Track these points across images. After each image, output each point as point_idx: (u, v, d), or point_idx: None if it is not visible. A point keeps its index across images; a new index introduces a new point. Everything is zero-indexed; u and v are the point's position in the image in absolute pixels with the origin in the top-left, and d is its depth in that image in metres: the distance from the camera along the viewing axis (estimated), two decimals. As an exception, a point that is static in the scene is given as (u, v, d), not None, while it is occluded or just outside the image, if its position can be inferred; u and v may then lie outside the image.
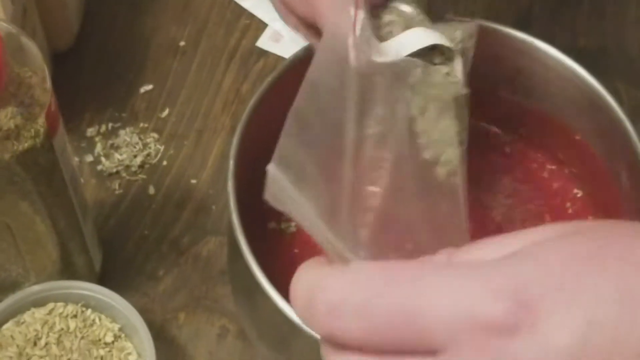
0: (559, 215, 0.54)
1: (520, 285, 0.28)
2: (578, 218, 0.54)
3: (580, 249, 0.29)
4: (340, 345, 0.31)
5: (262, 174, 0.54)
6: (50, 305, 0.53)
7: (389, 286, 0.29)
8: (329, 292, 0.30)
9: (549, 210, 0.54)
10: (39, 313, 0.53)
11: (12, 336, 0.52)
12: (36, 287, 0.53)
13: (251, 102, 0.51)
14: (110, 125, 0.65)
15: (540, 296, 0.28)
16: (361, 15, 0.39)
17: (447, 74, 0.42)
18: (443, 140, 0.41)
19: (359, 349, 0.30)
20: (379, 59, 0.39)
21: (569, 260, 0.29)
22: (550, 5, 0.71)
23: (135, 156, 0.63)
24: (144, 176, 0.63)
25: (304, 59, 0.53)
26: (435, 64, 0.41)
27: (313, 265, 0.33)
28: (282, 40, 0.69)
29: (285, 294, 0.45)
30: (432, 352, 0.29)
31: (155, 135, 0.64)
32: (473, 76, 0.44)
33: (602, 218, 0.53)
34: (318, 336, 0.44)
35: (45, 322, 0.53)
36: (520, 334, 0.28)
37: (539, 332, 0.27)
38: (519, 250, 0.30)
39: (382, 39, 0.42)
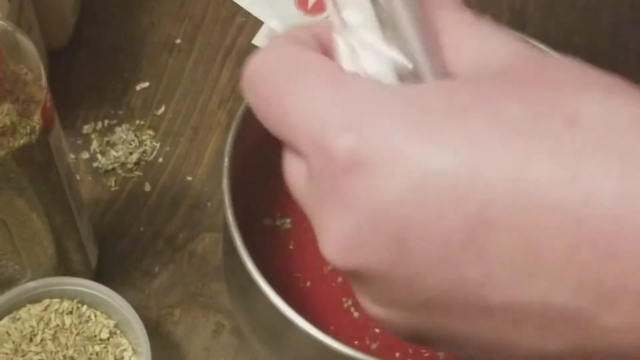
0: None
1: (376, 123, 0.27)
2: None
3: (461, 97, 0.27)
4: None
5: (257, 171, 0.54)
6: (46, 302, 0.53)
7: (278, 75, 0.30)
8: (249, 64, 0.31)
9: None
10: (35, 309, 0.53)
11: (7, 332, 0.53)
12: (32, 284, 0.53)
13: (246, 100, 0.51)
14: (106, 122, 0.65)
15: (390, 137, 0.27)
16: None
17: None
18: None
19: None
20: None
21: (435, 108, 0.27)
22: (544, 3, 0.72)
23: (131, 153, 0.63)
24: (140, 173, 0.63)
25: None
26: None
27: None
28: (277, 38, 0.69)
29: (280, 290, 0.45)
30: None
31: (151, 132, 0.65)
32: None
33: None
34: (312, 331, 0.45)
35: (41, 319, 0.53)
36: (359, 173, 0.27)
37: (379, 172, 0.27)
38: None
39: None
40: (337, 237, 0.28)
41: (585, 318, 0.25)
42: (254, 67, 0.31)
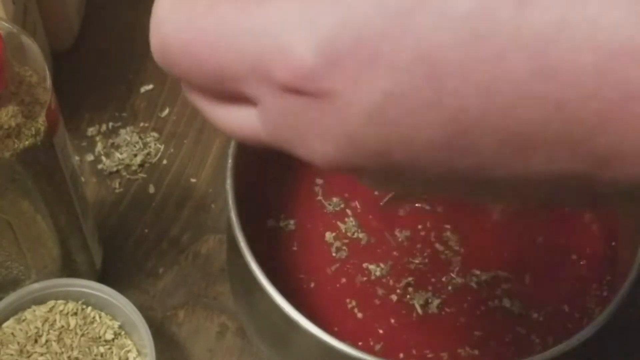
0: (556, 211, 0.54)
1: (343, 38, 0.23)
2: (575, 215, 0.54)
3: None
4: (187, 84, 0.28)
5: (261, 172, 0.55)
6: (51, 303, 0.54)
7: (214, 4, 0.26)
8: (156, 9, 0.28)
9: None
10: (40, 311, 0.53)
11: (12, 334, 0.53)
12: (37, 285, 0.53)
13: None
14: (110, 124, 0.65)
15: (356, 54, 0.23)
16: None
17: None
18: None
19: (198, 88, 0.28)
20: None
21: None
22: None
23: (135, 155, 0.64)
24: (144, 175, 0.63)
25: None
26: None
27: None
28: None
29: (284, 291, 0.45)
30: (247, 99, 0.26)
31: (155, 134, 0.65)
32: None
33: (599, 214, 0.53)
34: (316, 332, 0.45)
35: (46, 320, 0.53)
36: (324, 98, 0.24)
37: (344, 97, 0.24)
38: None
39: None
40: (334, 149, 0.25)
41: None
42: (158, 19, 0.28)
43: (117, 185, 0.63)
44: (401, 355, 0.50)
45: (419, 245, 0.53)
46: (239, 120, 0.27)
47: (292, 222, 0.54)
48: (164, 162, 0.64)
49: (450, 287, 0.52)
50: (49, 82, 0.45)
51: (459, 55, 0.23)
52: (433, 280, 0.52)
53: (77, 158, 0.63)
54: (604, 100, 0.22)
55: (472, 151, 0.24)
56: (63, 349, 0.52)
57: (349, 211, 0.54)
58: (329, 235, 0.54)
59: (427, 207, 0.54)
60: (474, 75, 0.23)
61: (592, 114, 0.23)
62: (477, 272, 0.52)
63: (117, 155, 0.63)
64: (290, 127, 0.26)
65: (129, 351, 0.53)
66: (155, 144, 0.64)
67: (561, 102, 0.23)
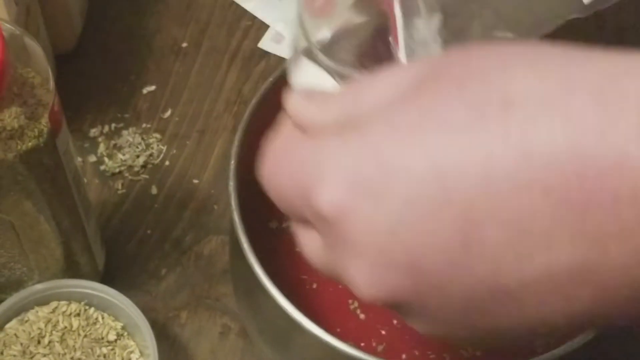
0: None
1: (353, 171, 0.30)
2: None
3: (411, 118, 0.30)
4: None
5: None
6: (54, 304, 0.54)
7: (272, 157, 0.34)
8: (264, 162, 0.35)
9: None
10: (43, 311, 0.53)
11: (16, 334, 0.53)
12: (39, 286, 0.53)
13: (253, 103, 0.51)
14: (113, 125, 0.65)
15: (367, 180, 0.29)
16: None
17: None
18: None
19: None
20: None
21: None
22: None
23: (137, 156, 0.64)
24: (147, 176, 0.63)
25: (305, 59, 0.53)
26: None
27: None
28: (283, 42, 0.69)
29: (286, 292, 0.45)
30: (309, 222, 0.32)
31: (158, 135, 0.65)
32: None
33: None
34: (319, 333, 0.45)
35: (49, 321, 0.53)
36: (347, 220, 0.30)
37: (362, 211, 0.29)
38: (367, 119, 0.31)
39: None
40: (364, 285, 0.30)
41: (590, 266, 0.27)
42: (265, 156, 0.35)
43: (119, 187, 0.63)
44: (403, 356, 0.50)
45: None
46: (309, 244, 0.33)
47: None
48: (167, 163, 0.64)
49: (452, 288, 0.52)
50: (51, 84, 0.45)
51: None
52: (435, 281, 0.52)
53: (79, 159, 0.63)
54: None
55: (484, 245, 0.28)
56: (66, 350, 0.52)
57: (351, 212, 0.54)
58: (331, 237, 0.54)
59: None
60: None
61: None
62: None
63: (120, 156, 0.64)
64: (336, 253, 0.31)
65: (131, 352, 0.53)
66: (157, 145, 0.64)
67: None
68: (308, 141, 0.32)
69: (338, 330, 0.50)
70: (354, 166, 0.29)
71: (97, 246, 0.56)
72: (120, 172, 0.63)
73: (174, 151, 0.64)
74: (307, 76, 0.44)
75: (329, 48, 0.44)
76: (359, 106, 0.32)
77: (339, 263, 0.31)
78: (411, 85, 0.30)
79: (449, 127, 0.28)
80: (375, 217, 0.29)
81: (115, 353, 0.53)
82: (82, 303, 0.54)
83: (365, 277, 0.30)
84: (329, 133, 0.31)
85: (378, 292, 0.30)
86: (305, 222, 0.33)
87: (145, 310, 0.53)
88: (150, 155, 0.64)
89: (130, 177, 0.63)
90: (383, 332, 0.51)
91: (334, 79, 0.44)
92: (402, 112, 0.30)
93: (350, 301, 0.52)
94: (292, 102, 0.35)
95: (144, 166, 0.63)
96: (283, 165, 0.33)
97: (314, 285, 0.52)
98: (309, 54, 0.44)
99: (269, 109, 0.52)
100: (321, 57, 0.43)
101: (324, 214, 0.30)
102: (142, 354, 0.53)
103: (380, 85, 0.32)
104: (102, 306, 0.54)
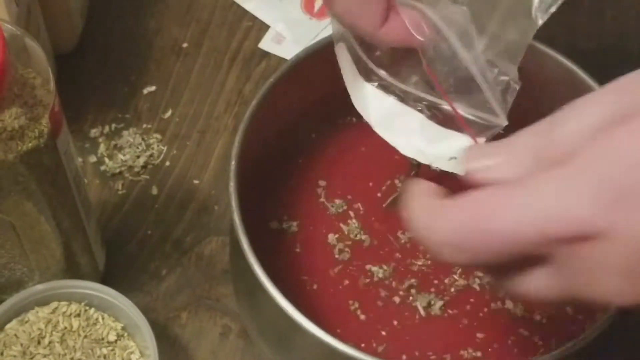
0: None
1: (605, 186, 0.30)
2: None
3: None
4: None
5: (264, 174, 0.55)
6: (54, 304, 0.54)
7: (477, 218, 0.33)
8: (439, 234, 0.34)
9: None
10: (43, 312, 0.53)
11: (16, 335, 0.53)
12: (40, 286, 0.53)
13: (253, 103, 0.51)
14: (113, 126, 0.65)
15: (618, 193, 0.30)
16: None
17: None
18: None
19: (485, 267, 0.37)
20: None
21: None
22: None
23: (138, 157, 0.64)
24: (147, 176, 0.63)
25: (305, 60, 0.53)
26: None
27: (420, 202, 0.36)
28: (284, 42, 0.69)
29: (286, 293, 0.45)
30: (538, 260, 0.33)
31: (158, 136, 0.65)
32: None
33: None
34: (319, 334, 0.45)
35: (49, 321, 0.53)
36: (604, 238, 0.30)
37: (619, 233, 0.30)
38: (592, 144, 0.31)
39: None
40: (619, 295, 0.32)
41: None
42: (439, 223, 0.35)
43: (120, 187, 0.63)
44: (404, 357, 0.50)
45: (421, 247, 0.53)
46: (533, 282, 0.34)
47: (294, 224, 0.54)
48: (167, 163, 0.64)
49: (453, 289, 0.52)
50: (52, 84, 0.45)
51: None
52: (436, 282, 0.52)
53: (80, 159, 0.63)
54: None
55: None
56: (66, 351, 0.52)
57: (351, 213, 0.54)
58: (331, 237, 0.54)
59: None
60: None
61: None
62: (480, 274, 0.52)
63: (120, 156, 0.64)
64: (582, 272, 0.32)
65: (131, 353, 0.53)
66: (158, 146, 0.64)
67: None
68: (518, 188, 0.32)
69: (338, 331, 0.50)
70: (606, 179, 0.30)
71: (97, 246, 0.56)
72: (120, 172, 0.63)
73: (175, 151, 0.64)
74: (369, 99, 0.45)
75: (392, 70, 0.45)
76: (560, 138, 0.33)
77: (582, 281, 0.32)
78: (615, 113, 0.32)
79: None
80: None
81: (115, 354, 0.53)
82: (83, 303, 0.54)
83: (620, 287, 0.31)
84: (541, 170, 0.32)
85: (636, 298, 0.31)
86: (519, 267, 0.33)
87: (146, 311, 0.53)
88: (151, 155, 0.64)
89: (130, 178, 0.63)
90: (383, 333, 0.51)
91: (404, 101, 0.45)
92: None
93: (350, 302, 0.52)
94: (475, 165, 0.35)
95: (144, 167, 0.63)
96: (497, 221, 0.32)
97: (315, 286, 0.52)
98: (368, 76, 0.45)
99: (269, 109, 0.52)
100: (391, 80, 0.44)
101: (586, 232, 0.30)
102: (142, 354, 0.53)
103: (574, 114, 0.33)
104: (103, 307, 0.54)
